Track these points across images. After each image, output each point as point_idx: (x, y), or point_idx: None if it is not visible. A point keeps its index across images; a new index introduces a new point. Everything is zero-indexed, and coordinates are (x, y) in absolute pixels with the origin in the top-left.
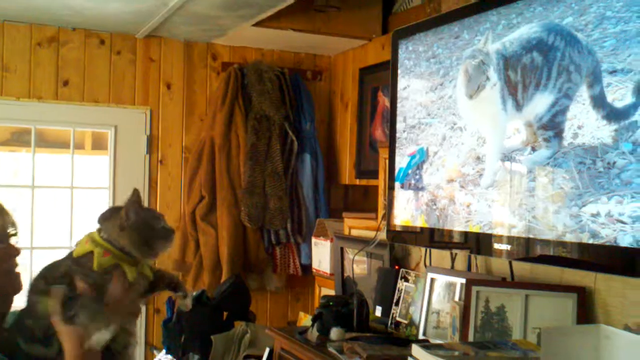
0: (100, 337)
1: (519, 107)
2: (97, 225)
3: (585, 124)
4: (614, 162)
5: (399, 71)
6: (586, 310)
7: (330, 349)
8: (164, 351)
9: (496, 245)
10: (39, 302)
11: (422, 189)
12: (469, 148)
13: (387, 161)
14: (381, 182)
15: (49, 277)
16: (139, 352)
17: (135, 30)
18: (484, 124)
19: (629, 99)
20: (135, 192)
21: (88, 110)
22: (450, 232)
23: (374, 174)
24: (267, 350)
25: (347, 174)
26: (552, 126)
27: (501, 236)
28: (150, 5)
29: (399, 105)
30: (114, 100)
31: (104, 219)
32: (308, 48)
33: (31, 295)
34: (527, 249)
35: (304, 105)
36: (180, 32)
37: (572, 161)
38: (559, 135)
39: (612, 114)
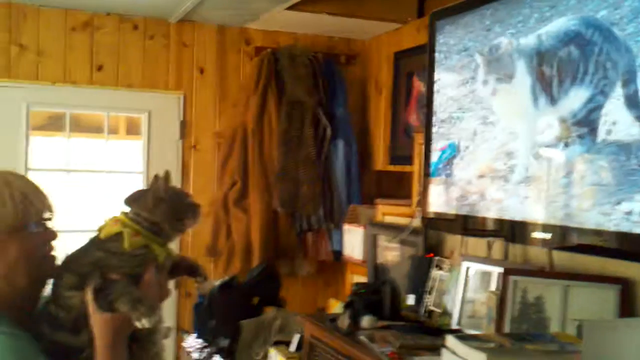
0: (147, 323)
1: (552, 102)
2: (124, 208)
3: (619, 121)
4: None
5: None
6: (630, 303)
7: (362, 337)
8: (194, 335)
9: (534, 234)
10: (70, 297)
11: (453, 184)
12: (501, 143)
13: (422, 147)
14: (416, 168)
15: (76, 268)
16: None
17: (169, 15)
18: (516, 119)
19: None
20: (166, 172)
21: (122, 95)
22: (486, 220)
23: (408, 160)
24: (297, 336)
25: (381, 160)
26: (586, 122)
27: (540, 224)
28: None
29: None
30: (147, 85)
31: (133, 199)
32: (342, 32)
33: (59, 289)
34: (567, 238)
35: (337, 90)
36: (213, 16)
37: (605, 158)
38: (592, 131)
39: None
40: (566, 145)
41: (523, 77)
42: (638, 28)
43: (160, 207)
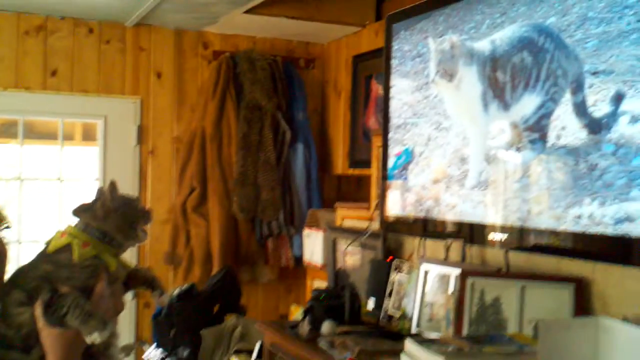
0: (98, 338)
1: (504, 107)
2: (73, 220)
3: (568, 125)
4: (596, 164)
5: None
6: (584, 301)
7: (322, 344)
8: (154, 345)
9: (491, 236)
10: (19, 314)
11: (409, 189)
12: (454, 148)
13: (380, 150)
14: (374, 171)
15: (24, 283)
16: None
17: (125, 19)
18: (469, 125)
19: (610, 101)
20: (111, 182)
21: (77, 100)
22: (444, 222)
23: (368, 164)
24: (258, 344)
25: (340, 164)
26: (537, 128)
27: (495, 226)
28: None
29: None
30: (103, 90)
31: (82, 210)
32: (301, 36)
33: (7, 306)
34: (522, 238)
35: (296, 94)
36: (171, 20)
37: (555, 162)
38: (543, 136)
39: (594, 115)
40: (518, 150)
41: (475, 83)
42: (586, 34)
43: (111, 216)
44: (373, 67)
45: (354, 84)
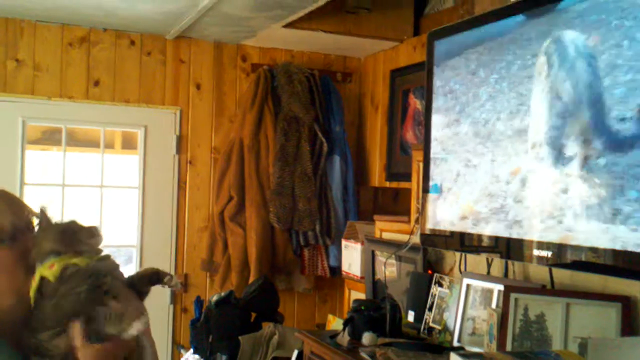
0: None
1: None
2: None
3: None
4: None
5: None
6: (631, 321)
7: (363, 354)
8: (191, 351)
9: (535, 252)
10: (55, 347)
11: (450, 204)
12: (483, 185)
13: (420, 164)
14: (414, 185)
15: (46, 325)
16: (166, 351)
17: (166, 31)
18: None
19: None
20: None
21: (118, 110)
22: (486, 237)
23: (405, 177)
24: (296, 352)
25: (377, 177)
26: (572, 145)
27: (540, 243)
28: (180, 7)
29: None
30: (144, 101)
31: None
32: (338, 50)
33: (38, 342)
34: (567, 256)
35: (333, 107)
36: (210, 33)
37: (599, 181)
38: (584, 156)
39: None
40: (562, 166)
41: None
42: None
43: (50, 233)
44: (411, 81)
45: (391, 98)
